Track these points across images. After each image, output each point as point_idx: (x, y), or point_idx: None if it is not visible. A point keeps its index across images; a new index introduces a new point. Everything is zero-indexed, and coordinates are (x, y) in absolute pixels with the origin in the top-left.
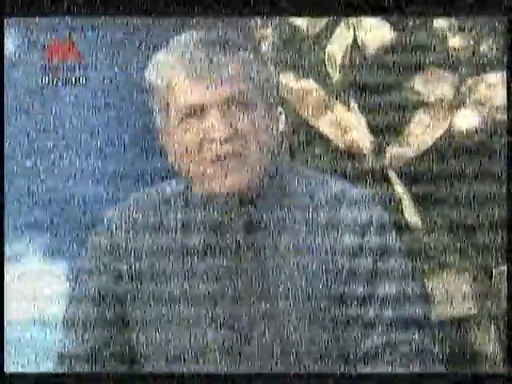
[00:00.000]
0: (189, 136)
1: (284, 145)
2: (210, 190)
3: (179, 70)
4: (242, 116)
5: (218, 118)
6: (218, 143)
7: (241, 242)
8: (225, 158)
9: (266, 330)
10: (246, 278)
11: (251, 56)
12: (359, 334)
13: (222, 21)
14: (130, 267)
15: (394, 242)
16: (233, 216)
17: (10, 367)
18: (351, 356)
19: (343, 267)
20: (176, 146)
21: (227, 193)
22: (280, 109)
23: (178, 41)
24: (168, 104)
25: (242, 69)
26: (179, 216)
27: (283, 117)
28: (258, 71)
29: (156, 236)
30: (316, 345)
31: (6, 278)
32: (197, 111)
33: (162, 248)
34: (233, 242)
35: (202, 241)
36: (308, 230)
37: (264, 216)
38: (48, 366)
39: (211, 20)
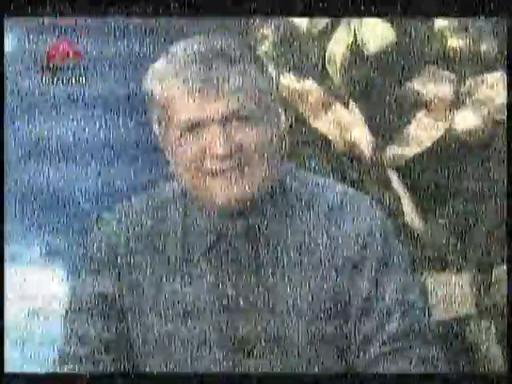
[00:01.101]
0: (189, 149)
1: (284, 147)
2: (209, 201)
3: (178, 84)
4: (242, 130)
5: (218, 134)
6: (218, 158)
7: (241, 251)
8: (225, 172)
9: (267, 337)
10: (247, 287)
11: (251, 68)
12: (362, 343)
13: (221, 24)
14: (129, 270)
15: (396, 248)
16: (233, 226)
17: (9, 367)
18: (354, 364)
19: (345, 273)
20: (175, 157)
21: (227, 205)
22: (280, 111)
23: (177, 51)
24: (167, 117)
25: (242, 82)
26: (178, 220)
27: (283, 118)
28: (258, 83)
29: (155, 239)
30: (318, 354)
31: (6, 278)
32: (196, 126)
33: (161, 251)
34: (233, 251)
35: (201, 248)
36: (309, 238)
37: (264, 225)
38: (48, 366)
39: (212, 22)
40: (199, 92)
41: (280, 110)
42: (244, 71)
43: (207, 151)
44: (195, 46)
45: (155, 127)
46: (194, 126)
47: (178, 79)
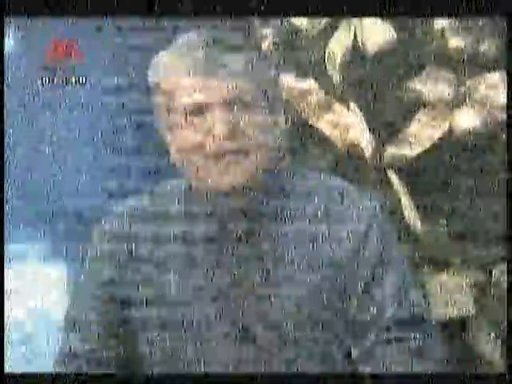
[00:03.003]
0: (191, 134)
1: (284, 145)
2: (210, 187)
3: (182, 70)
4: (243, 115)
5: (219, 117)
6: (220, 141)
7: (241, 238)
8: (226, 155)
9: (268, 327)
10: (248, 277)
11: (253, 55)
12: (359, 334)
13: (223, 21)
14: (131, 269)
15: (393, 242)
16: (233, 213)
17: (9, 367)
18: (351, 353)
19: (343, 266)
20: (178, 144)
21: (227, 190)
22: (281, 106)
23: (181, 41)
24: (171, 102)
25: (244, 68)
26: (181, 214)
27: (283, 117)
28: (259, 71)
29: (157, 236)
30: (316, 343)
31: (6, 278)
32: (199, 110)
33: (165, 250)
34: (233, 238)
35: (204, 237)
36: (309, 231)
37: (264, 213)
38: (48, 366)
39: (212, 20)
40: (202, 75)
41: (280, 105)
42: (247, 58)
43: (208, 134)
44: (198, 34)
45: (158, 117)
46: (197, 110)
47: (181, 65)
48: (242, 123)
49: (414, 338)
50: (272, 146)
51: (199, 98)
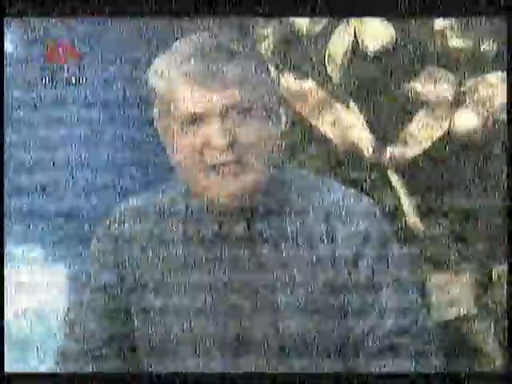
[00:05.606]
0: (189, 143)
1: (284, 145)
2: (209, 196)
3: (179, 78)
4: (242, 123)
5: (218, 126)
6: (218, 151)
7: (240, 248)
8: (225, 165)
9: (266, 333)
10: (245, 285)
11: (252, 62)
12: (359, 339)
13: (222, 24)
14: (132, 270)
15: (393, 247)
16: (232, 223)
17: (9, 367)
18: (351, 360)
19: (343, 274)
20: (176, 152)
21: (226, 200)
22: (281, 111)
23: (178, 47)
24: (168, 110)
25: (243, 75)
26: (180, 221)
27: (283, 118)
28: (258, 77)
29: (157, 238)
30: (316, 350)
31: (6, 278)
32: (197, 119)
33: (163, 252)
34: (232, 248)
35: (201, 246)
36: (307, 237)
37: (263, 223)
38: (48, 366)
39: (211, 21)
40: (200, 85)
41: (280, 107)
42: (244, 65)
43: (207, 144)
44: (196, 40)
45: (157, 123)
46: (195, 119)
47: (178, 72)
48: (240, 133)
49: (414, 344)
50: (271, 154)
51: (196, 107)
